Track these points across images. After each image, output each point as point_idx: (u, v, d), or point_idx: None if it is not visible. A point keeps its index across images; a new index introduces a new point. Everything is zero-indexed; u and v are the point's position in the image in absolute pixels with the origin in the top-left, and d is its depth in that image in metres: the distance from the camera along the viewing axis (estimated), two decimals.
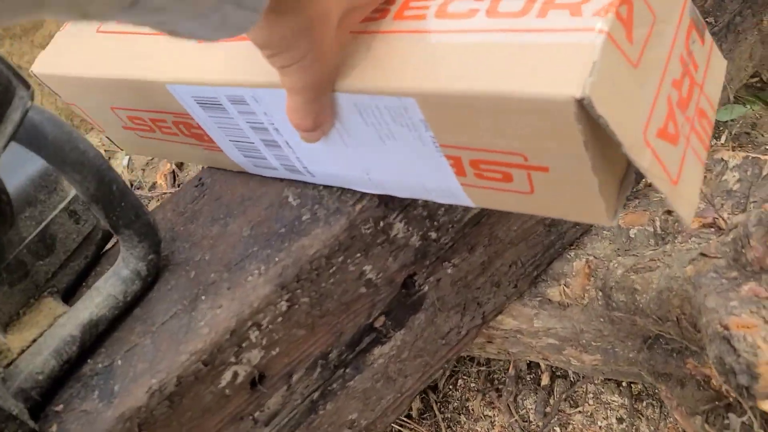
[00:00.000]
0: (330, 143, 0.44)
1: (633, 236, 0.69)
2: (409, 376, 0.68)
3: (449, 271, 0.64)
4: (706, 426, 0.66)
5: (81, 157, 0.45)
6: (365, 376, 0.64)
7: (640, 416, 0.86)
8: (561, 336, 0.74)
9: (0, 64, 0.38)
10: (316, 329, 0.57)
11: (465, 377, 1.00)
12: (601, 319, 0.69)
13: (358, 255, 0.55)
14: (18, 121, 0.38)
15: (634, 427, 0.86)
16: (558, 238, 0.71)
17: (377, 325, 0.62)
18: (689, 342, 0.60)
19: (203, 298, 0.52)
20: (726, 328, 0.50)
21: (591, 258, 0.70)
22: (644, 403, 0.86)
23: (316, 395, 0.61)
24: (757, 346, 0.47)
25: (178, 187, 1.57)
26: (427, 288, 0.63)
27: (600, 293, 0.68)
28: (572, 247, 0.73)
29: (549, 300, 0.72)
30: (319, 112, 0.40)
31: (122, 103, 0.52)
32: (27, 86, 0.39)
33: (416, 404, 1.00)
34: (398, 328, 0.64)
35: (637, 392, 0.87)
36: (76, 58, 0.52)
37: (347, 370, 0.62)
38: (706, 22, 0.72)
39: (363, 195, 0.56)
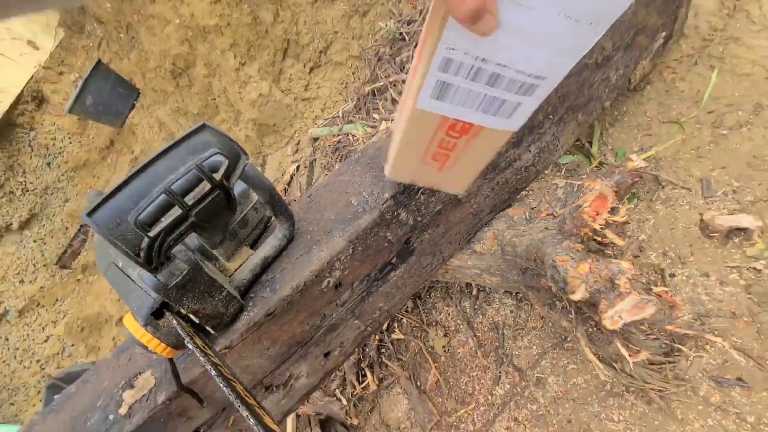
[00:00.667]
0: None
1: (516, 220, 0.70)
2: (407, 287, 0.69)
3: (426, 236, 0.65)
4: (547, 309, 0.69)
5: (262, 185, 0.48)
6: (387, 286, 0.65)
7: (521, 309, 0.87)
8: (481, 268, 0.75)
9: (231, 143, 0.42)
10: (365, 262, 0.58)
11: (435, 291, 1.01)
12: (500, 261, 0.71)
13: (384, 227, 0.57)
14: (241, 172, 0.42)
15: (519, 315, 0.86)
16: (479, 221, 0.72)
17: (392, 261, 0.64)
18: (540, 269, 0.62)
19: (314, 247, 0.54)
20: (554, 261, 0.54)
21: (496, 230, 0.71)
22: (523, 303, 0.87)
23: (364, 294, 0.62)
24: (567, 270, 0.52)
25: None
26: (416, 244, 0.65)
27: (499, 248, 0.70)
28: (486, 226, 0.74)
29: (475, 251, 0.74)
30: None
31: None
32: (245, 153, 0.42)
33: (410, 304, 1.01)
34: (402, 263, 0.65)
35: (520, 297, 0.88)
36: None
37: (378, 282, 0.64)
38: (548, 113, 0.68)
39: (388, 198, 0.55)
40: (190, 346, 0.38)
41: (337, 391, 1.04)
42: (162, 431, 0.48)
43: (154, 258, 0.38)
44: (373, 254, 0.58)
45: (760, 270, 0.64)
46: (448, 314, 0.96)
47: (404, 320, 1.01)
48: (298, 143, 1.87)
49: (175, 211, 0.38)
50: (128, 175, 0.36)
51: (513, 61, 0.28)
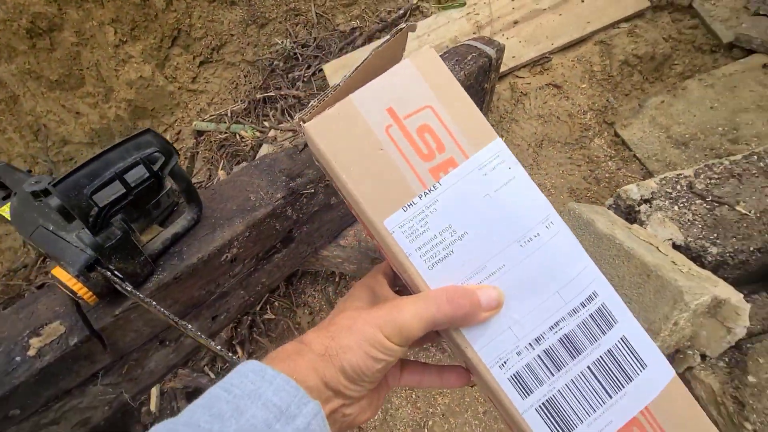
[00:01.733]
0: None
1: None
2: (285, 267, 0.80)
3: (305, 229, 0.78)
4: None
5: (183, 178, 0.59)
6: (270, 265, 0.76)
7: None
8: (343, 258, 0.91)
9: (168, 145, 0.54)
10: (257, 244, 0.70)
11: (305, 278, 1.13)
12: (357, 252, 0.88)
13: (274, 219, 0.70)
14: (172, 166, 0.54)
15: None
16: (344, 222, 0.87)
17: (277, 245, 0.75)
18: (382, 259, 0.85)
19: (218, 229, 0.64)
20: None
21: (356, 229, 0.87)
22: None
23: (252, 269, 0.73)
24: None
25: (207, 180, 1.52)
26: (296, 234, 0.77)
27: (357, 242, 0.87)
28: (349, 226, 0.89)
29: (340, 244, 0.89)
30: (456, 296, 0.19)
31: None
32: (177, 153, 0.54)
33: (282, 289, 1.11)
34: (284, 248, 0.76)
35: None
36: None
37: (264, 261, 0.74)
38: None
39: (279, 198, 0.69)
40: (127, 289, 0.50)
41: (206, 368, 1.13)
42: (69, 370, 0.56)
43: (98, 223, 0.50)
44: (264, 239, 0.71)
45: None
46: (314, 297, 1.11)
47: (276, 303, 1.13)
48: (178, 133, 1.84)
49: (120, 189, 0.51)
50: (86, 160, 0.48)
51: (548, 306, 0.20)
